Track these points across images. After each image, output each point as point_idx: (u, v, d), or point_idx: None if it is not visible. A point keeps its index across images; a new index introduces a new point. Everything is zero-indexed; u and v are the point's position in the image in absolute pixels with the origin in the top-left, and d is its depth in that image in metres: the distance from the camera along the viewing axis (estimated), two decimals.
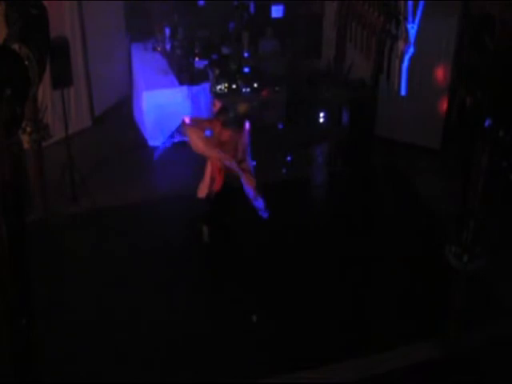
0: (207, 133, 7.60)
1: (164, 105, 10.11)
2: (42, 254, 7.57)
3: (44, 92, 8.99)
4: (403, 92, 9.61)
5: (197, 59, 10.70)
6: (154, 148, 9.98)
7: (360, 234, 8.38)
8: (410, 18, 9.11)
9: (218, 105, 7.93)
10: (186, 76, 10.41)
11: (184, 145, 10.24)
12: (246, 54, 11.00)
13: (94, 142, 10.43)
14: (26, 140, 7.96)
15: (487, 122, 5.82)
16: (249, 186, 7.58)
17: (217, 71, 10.43)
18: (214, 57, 10.80)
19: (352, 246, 8.12)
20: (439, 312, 6.96)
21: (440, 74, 9.72)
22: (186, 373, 6.42)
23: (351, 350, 6.73)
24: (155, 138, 10.31)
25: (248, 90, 10.44)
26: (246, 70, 10.71)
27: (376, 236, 8.37)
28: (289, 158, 10.04)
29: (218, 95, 10.19)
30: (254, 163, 8.21)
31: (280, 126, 10.58)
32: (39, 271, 6.76)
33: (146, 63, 10.93)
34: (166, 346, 6.67)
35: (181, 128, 7.80)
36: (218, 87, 10.34)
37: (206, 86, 10.43)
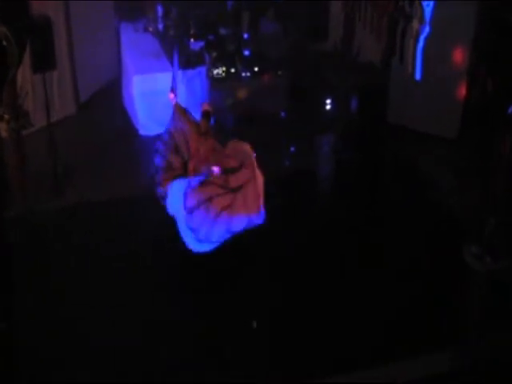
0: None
1: (156, 90, 10.00)
2: (23, 253, 7.52)
3: (24, 76, 8.91)
4: (417, 76, 9.66)
5: (192, 40, 10.63)
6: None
7: (369, 232, 8.33)
8: None
9: (205, 107, 7.58)
10: (181, 59, 10.11)
11: None
12: (245, 35, 10.94)
13: (79, 131, 10.37)
14: (3, 128, 7.89)
15: (510, 109, 5.77)
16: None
17: (214, 54, 10.39)
18: (211, 38, 10.75)
19: (360, 246, 8.07)
20: (456, 318, 6.94)
21: (458, 55, 9.65)
22: (186, 373, 6.48)
23: (359, 359, 6.68)
24: (146, 127, 10.33)
25: (248, 74, 10.40)
26: (246, 52, 10.67)
27: (387, 235, 8.31)
28: (292, 149, 10.00)
29: (215, 80, 10.16)
30: (254, 155, 8.19)
31: (282, 114, 10.54)
32: (21, 271, 6.81)
33: (136, 45, 10.85)
34: (156, 345, 6.72)
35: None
36: (215, 71, 10.29)
37: (202, 69, 10.38)
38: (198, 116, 10.17)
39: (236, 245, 7.70)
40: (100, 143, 10.04)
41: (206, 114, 7.52)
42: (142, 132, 10.40)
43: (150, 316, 7.03)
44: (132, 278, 7.50)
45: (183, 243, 7.42)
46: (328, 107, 10.52)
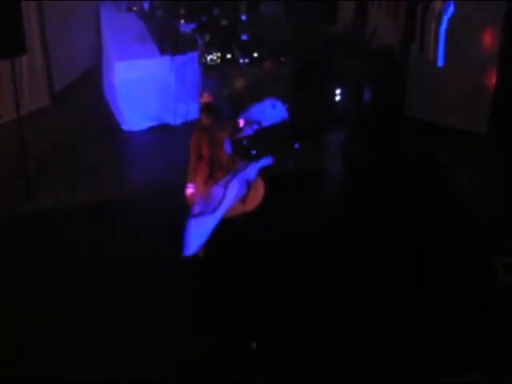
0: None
1: (141, 79, 10.07)
2: None
3: None
4: (440, 63, 9.59)
5: (182, 22, 10.65)
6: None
7: (385, 241, 8.25)
8: None
9: (205, 99, 7.57)
10: (169, 43, 10.35)
11: (166, 128, 10.36)
12: (243, 17, 10.97)
13: (53, 125, 10.37)
14: None
15: None
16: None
17: (207, 37, 10.43)
18: (204, 19, 10.78)
19: (374, 257, 8.00)
20: (484, 338, 6.87)
21: (487, 39, 9.65)
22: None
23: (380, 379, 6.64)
24: (130, 121, 10.34)
25: (246, 60, 10.45)
26: (244, 36, 10.72)
27: (406, 244, 8.25)
28: (296, 146, 10.00)
29: (208, 67, 10.16)
30: (254, 152, 8.17)
31: (285, 106, 10.48)
32: None
33: (119, 27, 10.87)
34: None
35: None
36: (209, 57, 10.32)
37: (194, 55, 10.38)
38: (192, 108, 10.29)
39: (235, 247, 7.85)
40: (77, 139, 10.00)
41: (206, 107, 7.49)
42: (125, 127, 10.39)
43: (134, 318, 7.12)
44: (110, 291, 7.50)
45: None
46: (337, 98, 10.48)
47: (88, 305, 7.27)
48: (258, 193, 7.69)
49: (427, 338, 7.00)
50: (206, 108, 7.49)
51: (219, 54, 10.33)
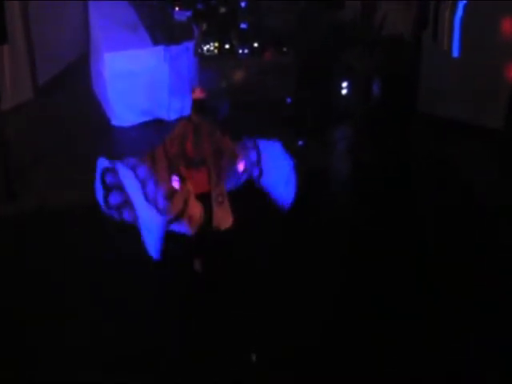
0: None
1: (132, 71, 10.10)
2: None
3: None
4: (455, 53, 9.67)
5: (177, 9, 10.67)
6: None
7: (398, 246, 8.18)
8: None
9: (197, 94, 7.14)
10: (163, 32, 10.36)
11: (159, 124, 10.30)
12: (243, 4, 11.04)
13: (37, 121, 10.40)
14: None
15: None
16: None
17: (204, 26, 10.52)
18: (200, 7, 10.84)
19: (382, 257, 7.94)
20: (495, 337, 6.82)
21: (506, 28, 9.59)
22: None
23: None
24: (120, 116, 10.37)
25: (246, 51, 10.56)
26: (244, 24, 10.81)
27: (417, 244, 8.23)
28: (300, 143, 9.98)
29: (205, 58, 10.14)
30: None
31: (288, 100, 10.54)
32: None
33: (108, 15, 10.85)
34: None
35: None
36: (206, 47, 10.42)
37: (190, 45, 10.41)
38: (187, 102, 10.21)
39: (233, 248, 7.73)
40: (63, 135, 9.98)
41: (197, 104, 7.16)
42: (116, 122, 10.39)
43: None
44: (96, 301, 7.43)
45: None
46: (344, 92, 10.49)
47: (83, 307, 7.23)
48: (227, 214, 7.33)
49: (433, 338, 6.97)
50: (197, 106, 7.09)
51: (217, 44, 10.45)
